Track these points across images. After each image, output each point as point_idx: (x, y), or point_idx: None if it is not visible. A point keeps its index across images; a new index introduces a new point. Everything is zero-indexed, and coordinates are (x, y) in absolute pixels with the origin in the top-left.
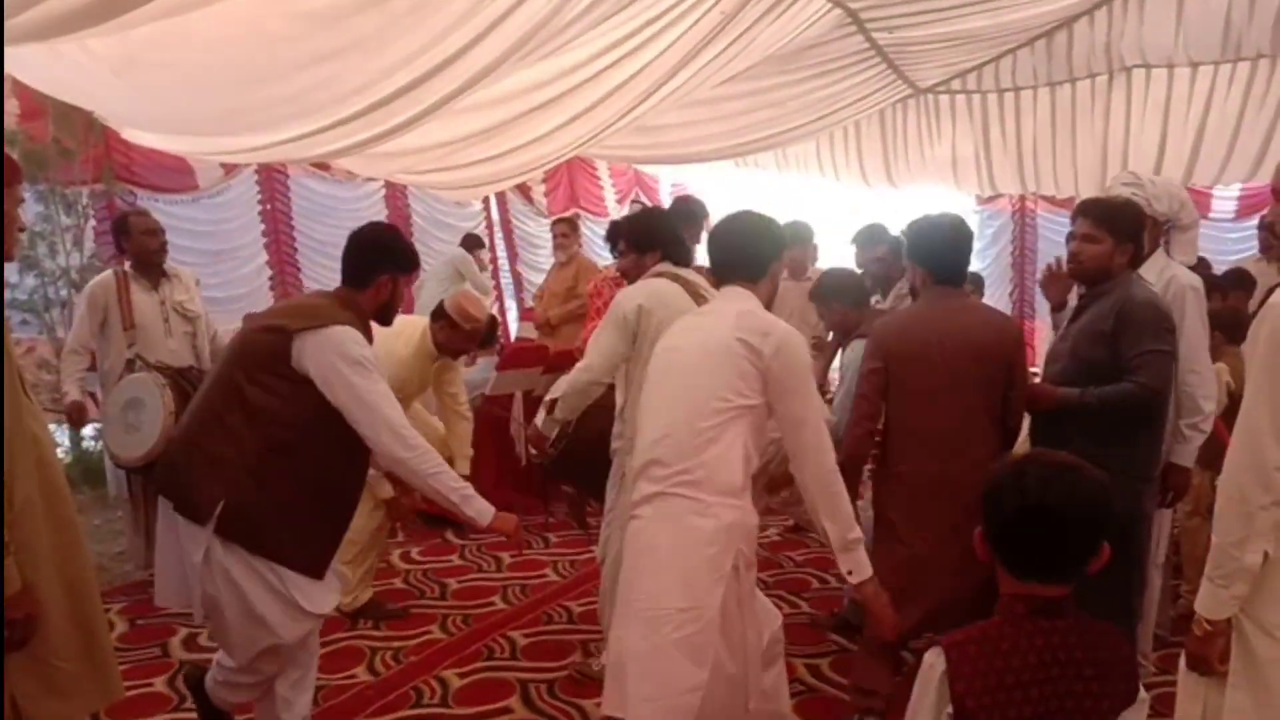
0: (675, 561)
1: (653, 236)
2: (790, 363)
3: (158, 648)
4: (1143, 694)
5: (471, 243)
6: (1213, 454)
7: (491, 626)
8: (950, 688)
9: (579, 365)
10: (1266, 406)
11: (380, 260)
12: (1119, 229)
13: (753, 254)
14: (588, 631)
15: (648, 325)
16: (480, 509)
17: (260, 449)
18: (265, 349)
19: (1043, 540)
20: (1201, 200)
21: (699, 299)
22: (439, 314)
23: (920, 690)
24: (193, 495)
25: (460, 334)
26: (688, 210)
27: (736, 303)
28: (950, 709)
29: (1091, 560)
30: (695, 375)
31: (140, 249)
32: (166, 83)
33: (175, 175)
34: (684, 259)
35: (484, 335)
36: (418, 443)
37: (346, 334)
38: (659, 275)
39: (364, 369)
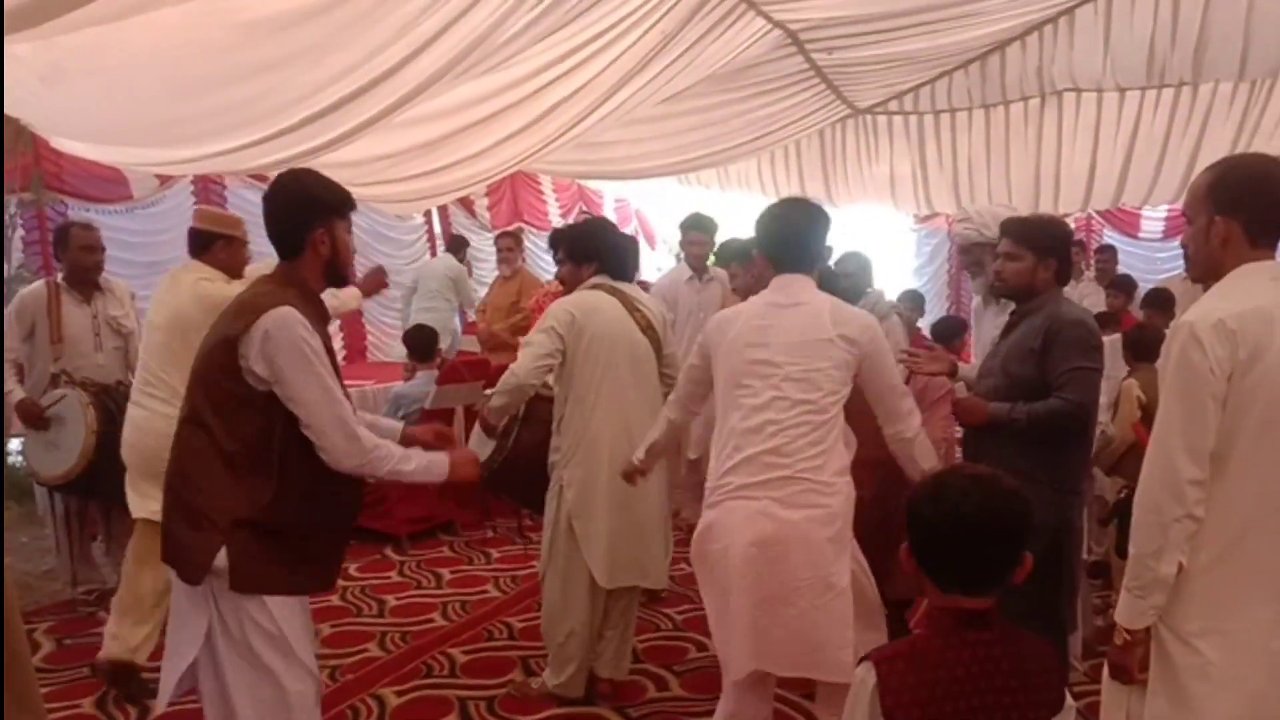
0: (813, 538)
1: (589, 248)
2: (881, 342)
3: (86, 668)
4: (1069, 701)
5: (459, 244)
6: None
7: (431, 644)
8: (880, 702)
9: (508, 369)
10: (1177, 423)
11: (303, 213)
12: (1038, 245)
13: (811, 242)
14: (529, 647)
15: (578, 336)
16: (439, 469)
17: (250, 479)
18: (217, 366)
19: (964, 552)
20: (1131, 220)
21: (634, 312)
22: (203, 244)
23: (852, 704)
24: (192, 556)
25: (239, 243)
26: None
27: (813, 295)
28: None
29: (1014, 570)
30: (800, 368)
31: (75, 264)
32: (95, 91)
33: (108, 185)
34: (621, 272)
35: (422, 348)
36: (370, 441)
37: (279, 318)
38: (595, 287)
39: (299, 356)
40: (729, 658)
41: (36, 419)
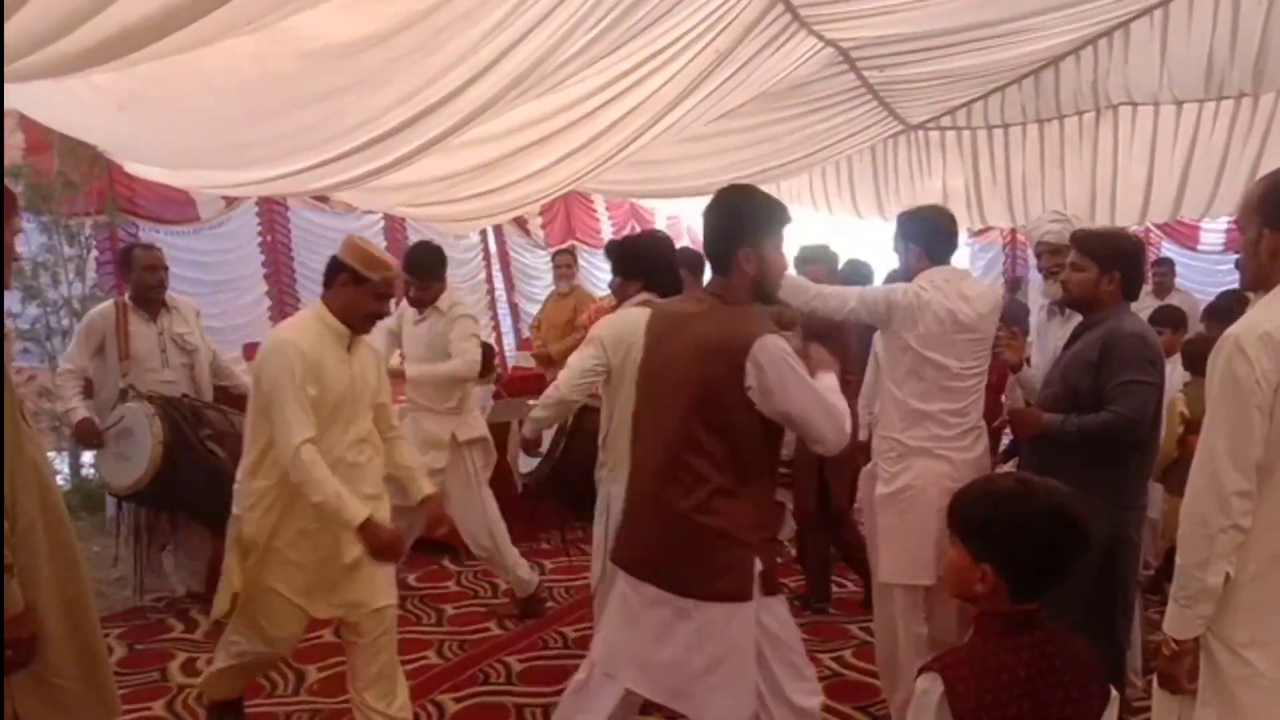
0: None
1: (632, 264)
2: None
3: (156, 672)
4: (1114, 693)
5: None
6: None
7: (487, 651)
8: (951, 708)
9: (552, 384)
10: (1223, 435)
11: (733, 230)
12: (1103, 258)
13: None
14: (583, 657)
15: (624, 354)
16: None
17: (749, 487)
18: (719, 396)
19: (1061, 553)
20: (1190, 233)
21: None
22: (330, 274)
23: (918, 713)
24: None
25: (367, 289)
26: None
27: None
28: None
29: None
30: None
31: (140, 283)
32: (170, 117)
33: (177, 207)
34: (668, 287)
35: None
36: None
37: (764, 340)
38: (642, 304)
39: (787, 369)
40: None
41: (93, 439)
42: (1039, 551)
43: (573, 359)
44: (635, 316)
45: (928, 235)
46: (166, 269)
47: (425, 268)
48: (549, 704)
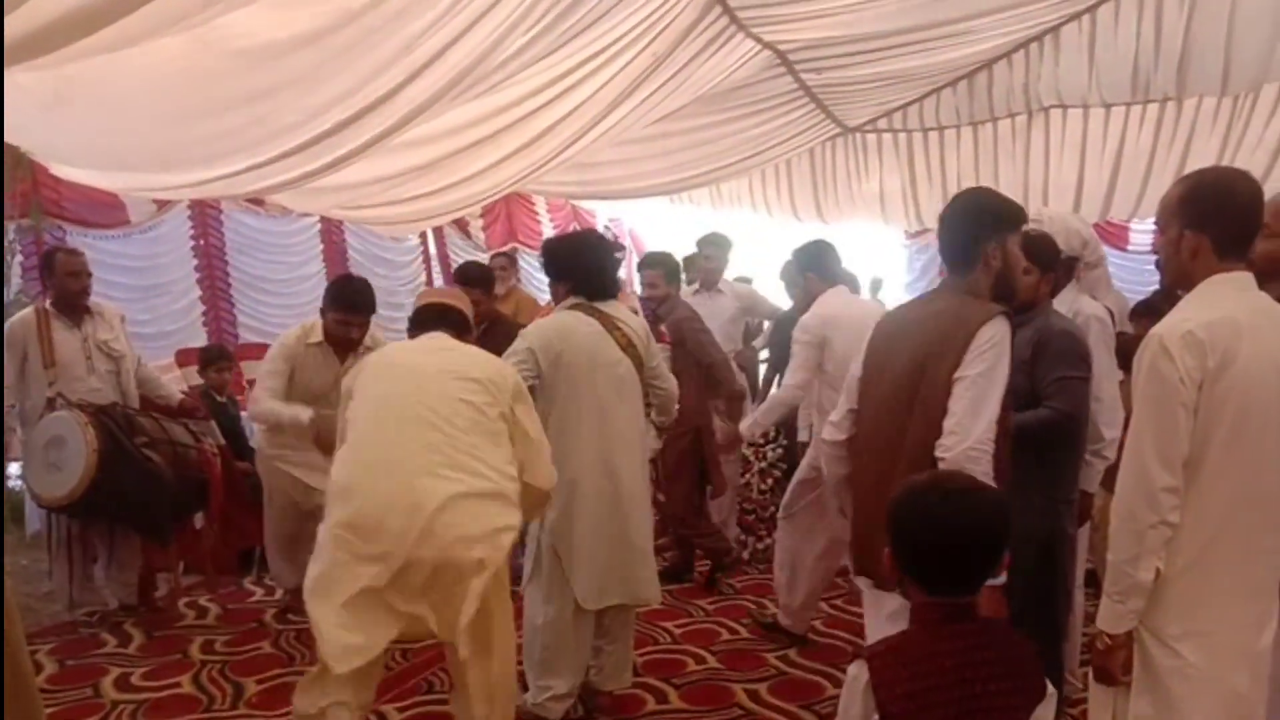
0: None
1: (562, 266)
2: None
3: (89, 688)
4: (1050, 689)
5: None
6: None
7: (430, 661)
8: (875, 695)
9: None
10: (1149, 433)
11: (974, 228)
12: (1043, 261)
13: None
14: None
15: (553, 360)
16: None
17: None
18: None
19: (949, 557)
20: (1120, 234)
21: (613, 331)
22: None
23: (847, 700)
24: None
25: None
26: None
27: None
28: (877, 716)
29: (995, 569)
30: None
31: (61, 289)
32: (98, 118)
33: (106, 210)
34: (599, 290)
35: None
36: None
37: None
38: (574, 308)
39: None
40: None
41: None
42: (917, 546)
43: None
44: (569, 320)
45: (818, 262)
46: (90, 274)
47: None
48: None
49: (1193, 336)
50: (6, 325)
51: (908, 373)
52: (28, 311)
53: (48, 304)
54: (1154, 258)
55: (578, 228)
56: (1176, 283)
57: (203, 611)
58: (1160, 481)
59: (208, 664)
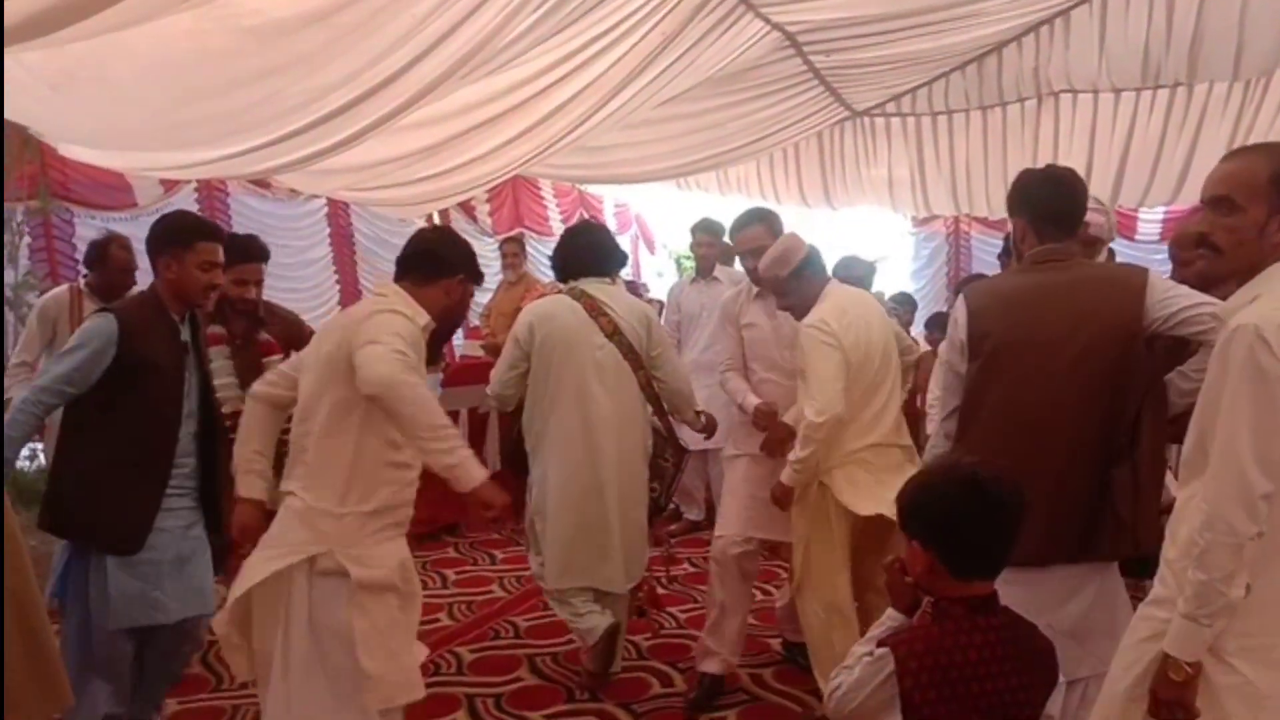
0: None
1: (555, 257)
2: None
3: None
4: (1061, 679)
5: None
6: None
7: (439, 642)
8: (899, 685)
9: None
10: (1246, 433)
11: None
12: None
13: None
14: (534, 646)
15: (536, 344)
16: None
17: None
18: None
19: (995, 532)
20: (1128, 222)
21: (599, 317)
22: None
23: (861, 683)
24: None
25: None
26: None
27: None
28: (900, 705)
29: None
30: None
31: (110, 279)
32: (105, 98)
33: (114, 192)
34: (581, 268)
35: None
36: None
37: None
38: (569, 292)
39: None
40: None
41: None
42: (956, 522)
43: (500, 357)
44: (551, 305)
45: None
46: (138, 267)
47: None
48: (499, 693)
49: None
50: (39, 304)
51: (1084, 343)
52: (61, 291)
53: (82, 285)
54: (1158, 246)
55: (584, 213)
56: (1241, 269)
57: None
58: (1260, 488)
59: (214, 645)
